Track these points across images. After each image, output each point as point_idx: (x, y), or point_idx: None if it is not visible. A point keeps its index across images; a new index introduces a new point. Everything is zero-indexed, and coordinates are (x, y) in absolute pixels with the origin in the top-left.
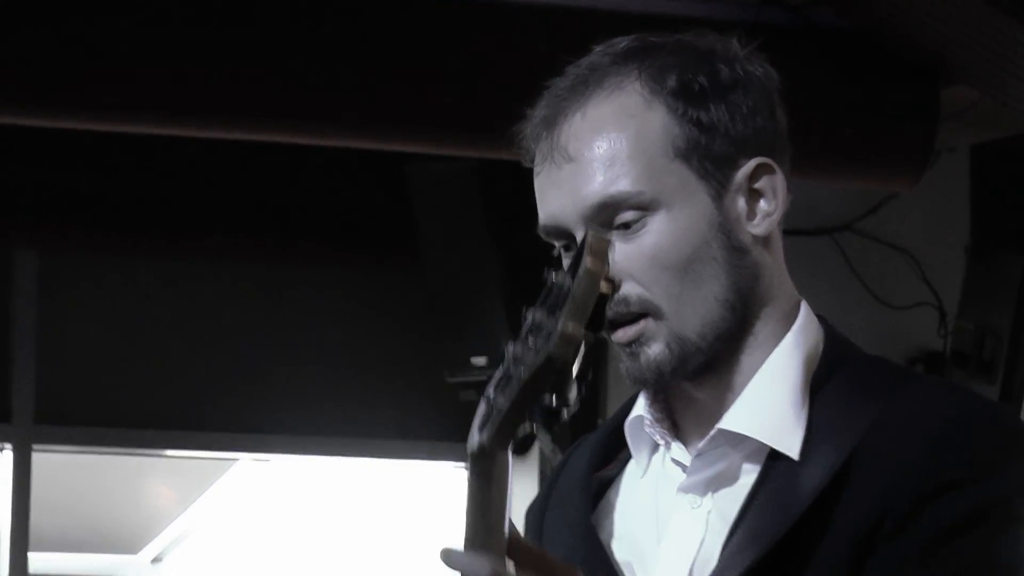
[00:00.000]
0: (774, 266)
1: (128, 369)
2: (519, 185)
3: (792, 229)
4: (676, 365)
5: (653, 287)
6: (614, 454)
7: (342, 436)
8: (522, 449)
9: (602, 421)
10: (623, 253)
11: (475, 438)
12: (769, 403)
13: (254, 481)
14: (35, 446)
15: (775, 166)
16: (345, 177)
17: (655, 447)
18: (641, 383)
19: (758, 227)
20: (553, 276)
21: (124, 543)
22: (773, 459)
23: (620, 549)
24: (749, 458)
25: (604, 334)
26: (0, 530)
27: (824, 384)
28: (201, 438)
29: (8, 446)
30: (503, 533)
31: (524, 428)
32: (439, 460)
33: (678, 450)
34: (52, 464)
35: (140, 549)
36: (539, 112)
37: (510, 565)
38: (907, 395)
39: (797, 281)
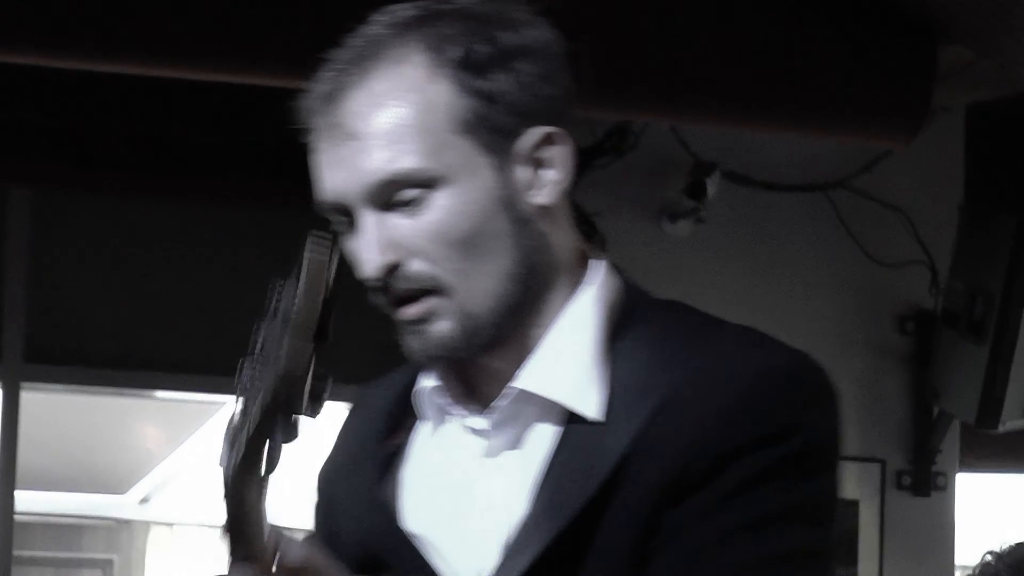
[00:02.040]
0: (561, 233)
1: (119, 310)
2: None
3: (786, 185)
4: (466, 342)
5: (440, 263)
6: (401, 421)
7: (332, 381)
8: (271, 466)
9: None
10: (408, 230)
11: (226, 465)
12: (562, 361)
13: None
14: (24, 384)
15: (561, 135)
16: None
17: (447, 414)
18: (430, 361)
19: (543, 197)
20: (277, 287)
21: (112, 483)
22: (575, 420)
23: (415, 521)
24: (549, 418)
25: (388, 310)
26: None
27: (624, 339)
28: (190, 380)
29: None
30: (265, 550)
31: (269, 446)
32: None
33: (474, 419)
34: (41, 403)
35: (128, 489)
36: (319, 87)
37: None
38: (711, 349)
39: (790, 236)
